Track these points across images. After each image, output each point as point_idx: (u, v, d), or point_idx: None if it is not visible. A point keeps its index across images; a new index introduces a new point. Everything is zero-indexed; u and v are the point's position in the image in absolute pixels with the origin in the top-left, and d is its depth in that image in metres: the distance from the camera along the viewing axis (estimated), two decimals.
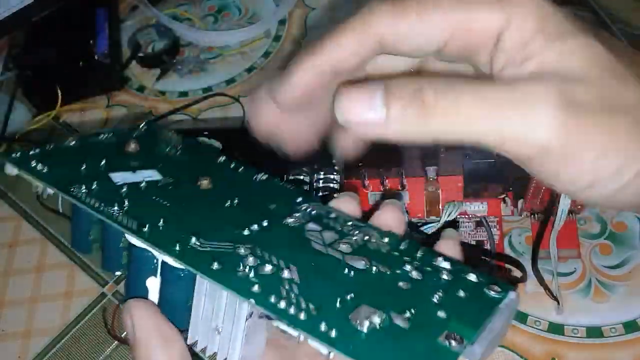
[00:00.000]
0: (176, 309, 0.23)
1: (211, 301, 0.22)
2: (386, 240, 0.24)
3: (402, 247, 0.24)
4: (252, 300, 0.20)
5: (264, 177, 0.28)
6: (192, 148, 0.30)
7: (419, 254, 0.23)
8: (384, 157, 0.43)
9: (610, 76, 0.21)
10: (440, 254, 0.24)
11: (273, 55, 0.63)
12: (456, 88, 0.20)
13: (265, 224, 0.24)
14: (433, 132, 0.20)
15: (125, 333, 0.47)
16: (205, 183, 0.26)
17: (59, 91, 0.57)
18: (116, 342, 0.47)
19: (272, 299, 0.20)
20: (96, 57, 0.59)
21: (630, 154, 0.21)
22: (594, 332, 0.42)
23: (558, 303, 0.43)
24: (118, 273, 0.26)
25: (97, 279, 0.51)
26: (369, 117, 0.20)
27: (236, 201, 0.26)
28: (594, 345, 0.42)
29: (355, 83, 0.21)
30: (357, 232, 0.24)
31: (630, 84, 0.22)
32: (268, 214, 0.25)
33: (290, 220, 0.25)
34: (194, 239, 0.22)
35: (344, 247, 0.23)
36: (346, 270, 0.22)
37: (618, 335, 0.42)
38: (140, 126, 0.30)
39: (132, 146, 0.28)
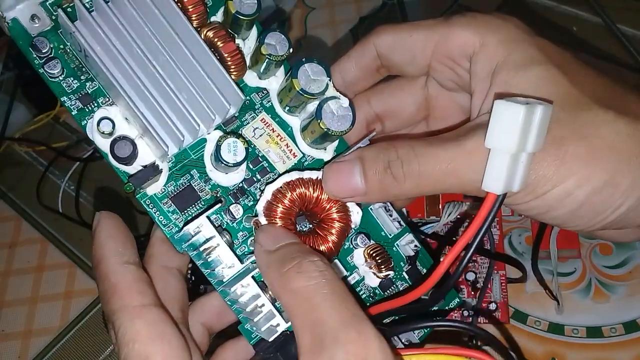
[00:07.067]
0: None
1: None
2: None
3: None
4: None
5: None
6: None
7: None
8: None
9: (560, 109, 0.22)
10: None
11: None
12: (417, 154, 0.23)
13: None
14: (407, 193, 0.24)
15: None
16: None
17: None
18: None
19: None
20: None
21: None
22: (594, 332, 0.42)
23: (558, 303, 0.43)
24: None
25: None
26: (353, 192, 0.25)
27: None
28: (594, 345, 0.42)
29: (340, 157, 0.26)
30: None
31: (587, 113, 0.22)
32: None
33: None
34: None
35: None
36: None
37: (618, 335, 0.42)
38: None
39: None
